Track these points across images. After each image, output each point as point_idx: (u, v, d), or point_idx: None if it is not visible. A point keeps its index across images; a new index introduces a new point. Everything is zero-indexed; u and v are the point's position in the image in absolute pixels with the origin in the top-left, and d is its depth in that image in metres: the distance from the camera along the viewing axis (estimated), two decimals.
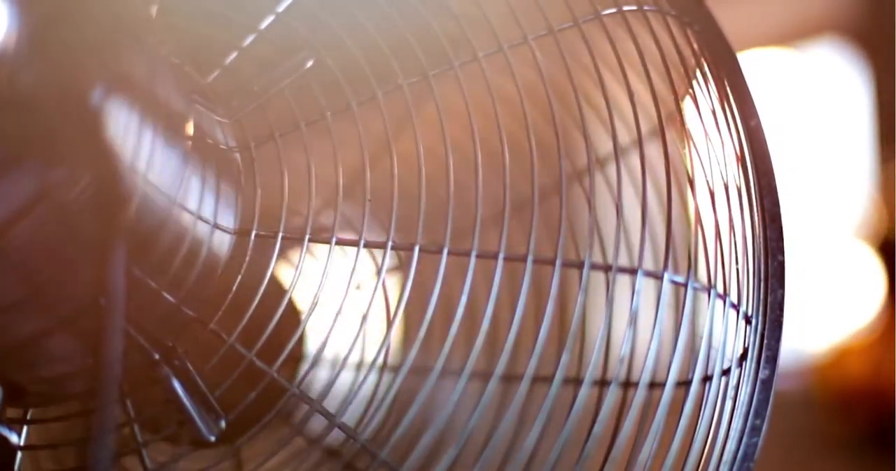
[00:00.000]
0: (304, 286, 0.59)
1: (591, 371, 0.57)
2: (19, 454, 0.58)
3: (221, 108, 0.58)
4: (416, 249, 0.57)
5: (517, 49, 0.58)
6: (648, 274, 0.56)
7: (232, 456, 0.61)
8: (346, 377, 0.68)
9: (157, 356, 0.56)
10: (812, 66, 3.18)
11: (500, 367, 0.55)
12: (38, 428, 0.60)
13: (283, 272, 0.67)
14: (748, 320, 0.58)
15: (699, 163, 0.60)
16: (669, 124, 0.58)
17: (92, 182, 0.46)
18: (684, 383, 0.57)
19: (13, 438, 0.58)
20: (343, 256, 0.59)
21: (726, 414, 0.57)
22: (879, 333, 2.68)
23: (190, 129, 0.54)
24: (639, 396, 0.57)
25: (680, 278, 0.56)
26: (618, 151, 0.59)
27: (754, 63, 3.10)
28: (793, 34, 3.20)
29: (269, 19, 0.59)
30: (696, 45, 0.60)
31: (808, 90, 3.20)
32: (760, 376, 0.57)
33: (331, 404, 0.58)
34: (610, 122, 0.58)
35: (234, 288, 0.57)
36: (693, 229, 0.59)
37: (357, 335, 0.60)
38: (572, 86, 0.58)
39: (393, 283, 0.76)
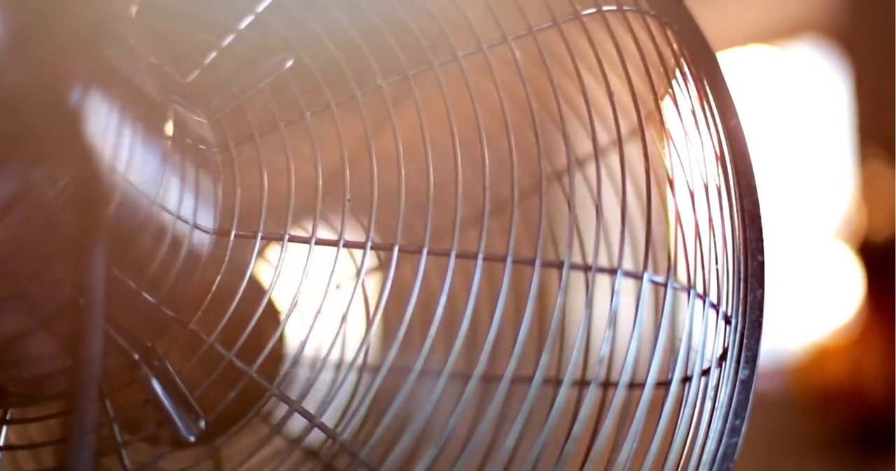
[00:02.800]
0: (284, 286, 0.59)
1: (571, 371, 0.57)
2: None
3: (201, 108, 0.58)
4: (396, 249, 0.57)
5: (497, 49, 0.58)
6: (628, 274, 0.56)
7: (211, 456, 0.61)
8: (325, 377, 0.68)
9: (136, 356, 0.56)
10: (792, 65, 3.19)
11: (480, 367, 0.55)
12: (17, 428, 0.60)
13: (263, 272, 0.66)
14: (728, 320, 0.58)
15: (679, 163, 0.60)
16: (649, 124, 0.58)
17: (71, 181, 0.46)
18: (664, 384, 0.57)
19: None
20: (323, 256, 0.59)
21: (706, 414, 0.57)
22: (858, 334, 2.69)
23: (169, 129, 0.54)
24: (618, 396, 0.57)
25: (660, 278, 0.56)
26: (597, 151, 0.59)
27: (734, 62, 3.11)
28: (773, 33, 3.20)
29: (249, 19, 0.59)
30: (675, 45, 0.60)
31: (788, 89, 3.20)
32: (740, 376, 0.58)
33: (310, 404, 0.58)
34: (590, 121, 0.58)
35: (214, 288, 0.57)
36: (673, 229, 0.59)
37: (337, 335, 0.60)
38: (552, 86, 0.58)
39: (373, 283, 0.76)
